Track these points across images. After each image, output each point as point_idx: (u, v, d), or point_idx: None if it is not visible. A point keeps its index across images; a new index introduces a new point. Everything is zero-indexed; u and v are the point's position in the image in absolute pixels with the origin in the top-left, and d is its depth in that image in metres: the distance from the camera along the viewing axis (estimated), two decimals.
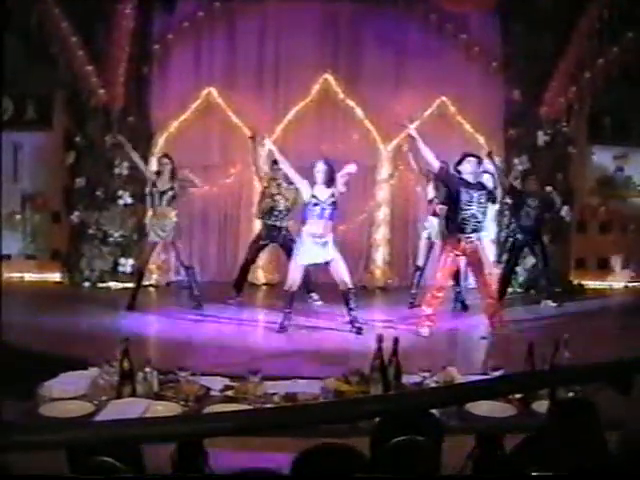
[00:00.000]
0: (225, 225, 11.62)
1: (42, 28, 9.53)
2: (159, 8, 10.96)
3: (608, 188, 11.98)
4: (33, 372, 5.43)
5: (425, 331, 8.25)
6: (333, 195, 8.14)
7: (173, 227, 9.33)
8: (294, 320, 8.50)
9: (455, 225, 8.22)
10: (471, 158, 8.25)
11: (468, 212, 8.08)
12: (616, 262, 11.96)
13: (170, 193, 9.26)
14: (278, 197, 9.51)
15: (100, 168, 11.00)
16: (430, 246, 9.64)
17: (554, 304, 10.14)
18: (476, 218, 8.13)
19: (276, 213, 9.50)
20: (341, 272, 8.32)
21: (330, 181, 8.14)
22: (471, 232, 8.15)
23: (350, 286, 8.37)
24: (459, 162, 8.30)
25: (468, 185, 8.12)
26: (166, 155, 9.62)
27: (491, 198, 8.33)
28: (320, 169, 8.17)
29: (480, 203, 8.13)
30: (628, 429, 3.00)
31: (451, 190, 8.30)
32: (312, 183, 8.19)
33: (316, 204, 8.10)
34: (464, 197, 8.08)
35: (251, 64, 11.33)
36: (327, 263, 8.34)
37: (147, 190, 9.71)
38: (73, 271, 11.10)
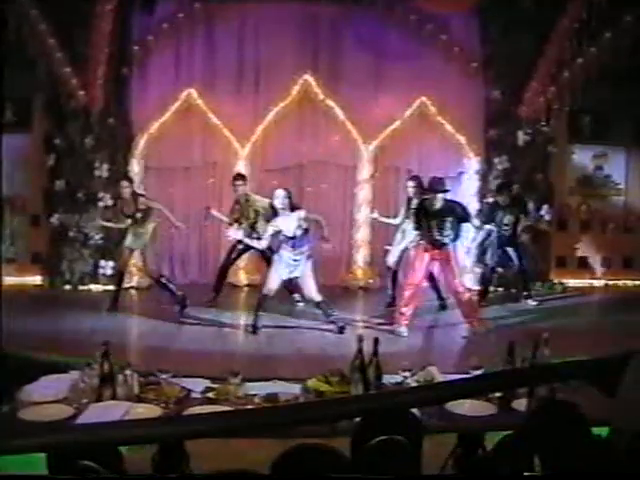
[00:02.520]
0: (206, 226, 11.55)
1: (20, 30, 9.45)
2: (138, 10, 10.91)
3: (588, 187, 12.07)
4: (13, 376, 5.39)
5: (403, 330, 8.30)
6: (300, 224, 8.22)
7: (149, 236, 9.36)
8: (276, 321, 8.53)
9: (425, 239, 8.37)
10: (439, 195, 8.24)
11: (434, 236, 8.26)
12: (596, 260, 12.04)
13: (138, 215, 9.27)
14: (245, 216, 9.56)
15: (80, 170, 10.94)
16: (404, 248, 9.59)
17: (534, 302, 10.21)
18: (442, 240, 8.26)
19: (253, 232, 9.45)
20: (310, 288, 8.44)
21: (293, 206, 8.28)
22: (440, 246, 8.30)
23: (319, 299, 8.47)
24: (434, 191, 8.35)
25: (433, 215, 8.26)
26: (126, 177, 9.72)
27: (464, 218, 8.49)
28: (279, 195, 8.27)
29: (442, 229, 8.24)
30: (614, 428, 3.02)
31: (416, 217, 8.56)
32: (278, 209, 8.32)
33: (288, 238, 8.23)
34: (426, 224, 8.31)
35: (231, 65, 11.29)
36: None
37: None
38: (53, 274, 11.04)
